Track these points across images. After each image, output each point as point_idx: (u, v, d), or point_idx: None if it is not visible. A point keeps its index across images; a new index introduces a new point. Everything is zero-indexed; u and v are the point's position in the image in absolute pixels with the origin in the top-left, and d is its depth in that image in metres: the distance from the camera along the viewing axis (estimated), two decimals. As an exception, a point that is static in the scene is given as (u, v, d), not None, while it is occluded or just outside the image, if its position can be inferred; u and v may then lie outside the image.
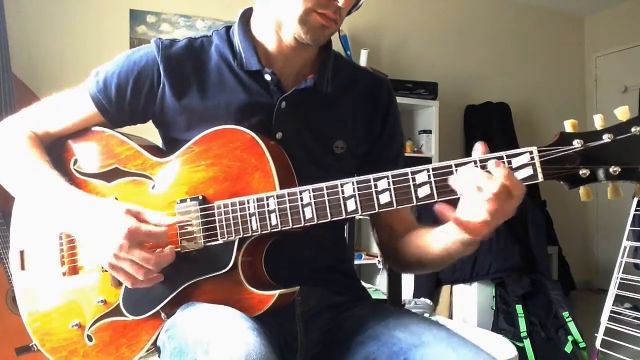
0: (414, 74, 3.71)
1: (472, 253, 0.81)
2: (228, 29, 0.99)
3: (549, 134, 0.70)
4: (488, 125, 3.96)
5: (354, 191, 0.77)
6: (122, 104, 0.95)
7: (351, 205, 0.77)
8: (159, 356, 0.85)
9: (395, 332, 0.83)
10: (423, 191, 0.74)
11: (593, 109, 4.58)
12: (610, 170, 0.68)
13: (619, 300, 2.49)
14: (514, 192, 0.69)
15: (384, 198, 0.76)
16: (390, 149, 1.05)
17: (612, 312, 2.37)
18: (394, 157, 1.05)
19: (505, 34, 4.30)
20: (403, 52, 3.87)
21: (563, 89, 4.55)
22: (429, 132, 3.57)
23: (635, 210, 2.45)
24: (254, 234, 0.83)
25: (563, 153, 0.69)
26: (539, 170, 0.69)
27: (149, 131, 1.02)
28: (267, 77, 0.93)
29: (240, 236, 0.83)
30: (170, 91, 0.93)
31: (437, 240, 0.85)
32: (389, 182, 0.75)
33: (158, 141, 1.02)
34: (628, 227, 2.44)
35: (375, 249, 3.16)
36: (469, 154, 0.73)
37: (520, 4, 4.34)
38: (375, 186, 0.76)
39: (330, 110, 0.99)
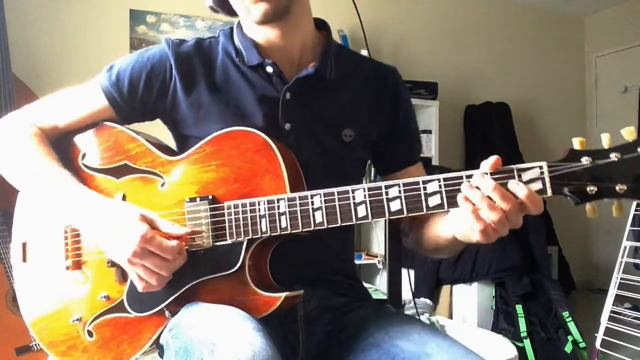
0: (414, 74, 3.70)
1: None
2: (232, 29, 1.01)
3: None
4: (488, 125, 3.96)
5: (365, 197, 0.77)
6: (134, 98, 0.96)
7: (362, 211, 0.78)
8: (160, 355, 0.85)
9: (397, 340, 0.83)
10: (434, 200, 0.75)
11: (593, 109, 4.59)
12: (617, 188, 0.69)
13: (618, 300, 2.49)
14: (533, 211, 0.71)
15: (395, 205, 0.76)
16: (406, 134, 1.06)
17: (612, 312, 2.37)
18: (410, 142, 1.06)
19: (505, 34, 4.30)
20: (403, 52, 3.86)
21: (563, 89, 4.56)
22: (429, 132, 3.56)
23: (635, 211, 2.45)
24: (263, 235, 0.83)
25: (572, 169, 0.70)
26: (548, 185, 0.71)
27: (157, 132, 1.02)
28: (269, 68, 0.94)
29: (250, 237, 0.83)
30: (181, 86, 0.95)
31: (447, 229, 0.86)
32: (399, 190, 0.76)
33: (165, 140, 1.02)
34: (628, 227, 2.44)
35: (375, 249, 3.16)
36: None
37: (520, 4, 4.35)
38: (387, 193, 0.76)
39: (335, 97, 0.99)
